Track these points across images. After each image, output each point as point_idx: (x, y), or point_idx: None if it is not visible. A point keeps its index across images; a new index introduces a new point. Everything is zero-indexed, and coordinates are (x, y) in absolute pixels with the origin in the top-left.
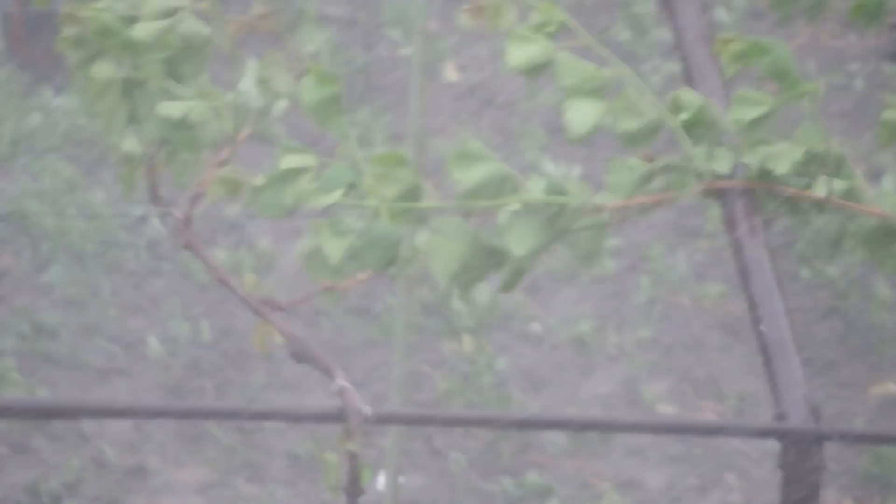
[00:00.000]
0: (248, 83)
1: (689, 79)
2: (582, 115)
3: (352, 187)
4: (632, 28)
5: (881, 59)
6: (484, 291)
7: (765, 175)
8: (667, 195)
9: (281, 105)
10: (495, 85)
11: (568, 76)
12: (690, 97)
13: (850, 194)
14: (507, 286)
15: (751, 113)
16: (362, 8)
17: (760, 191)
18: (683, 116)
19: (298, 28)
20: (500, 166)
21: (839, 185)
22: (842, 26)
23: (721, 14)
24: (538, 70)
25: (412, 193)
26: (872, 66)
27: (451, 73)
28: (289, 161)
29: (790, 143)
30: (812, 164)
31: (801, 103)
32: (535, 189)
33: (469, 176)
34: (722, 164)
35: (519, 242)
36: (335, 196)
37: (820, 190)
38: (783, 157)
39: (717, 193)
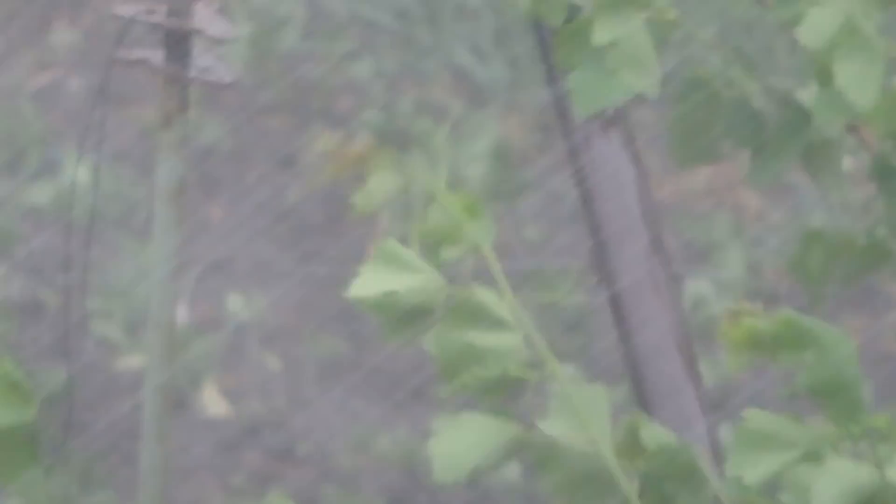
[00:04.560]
0: None
1: (642, 394)
2: None
3: None
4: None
5: None
6: None
7: None
8: None
9: None
10: (298, 423)
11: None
12: (653, 433)
13: None
14: None
15: (762, 467)
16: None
17: None
18: (642, 469)
19: None
20: None
21: None
22: None
23: (703, 287)
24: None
25: None
26: None
27: (212, 402)
28: None
29: None
30: None
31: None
32: None
33: None
34: None
35: None
36: None
37: None
38: None
39: None
